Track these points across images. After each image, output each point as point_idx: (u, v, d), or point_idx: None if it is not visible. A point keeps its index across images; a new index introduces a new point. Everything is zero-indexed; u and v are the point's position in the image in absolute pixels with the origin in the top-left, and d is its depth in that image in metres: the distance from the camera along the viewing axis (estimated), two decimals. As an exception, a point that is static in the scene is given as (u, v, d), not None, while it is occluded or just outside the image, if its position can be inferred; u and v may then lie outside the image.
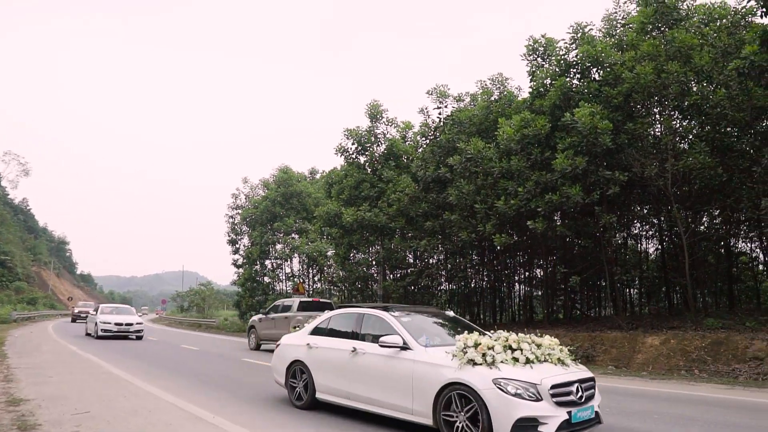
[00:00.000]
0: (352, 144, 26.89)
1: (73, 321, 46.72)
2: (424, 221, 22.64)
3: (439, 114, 23.72)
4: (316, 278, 37.82)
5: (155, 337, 28.93)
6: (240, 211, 41.73)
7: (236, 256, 41.40)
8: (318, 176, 40.91)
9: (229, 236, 41.94)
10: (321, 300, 21.73)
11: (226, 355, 18.32)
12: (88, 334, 25.89)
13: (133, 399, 8.41)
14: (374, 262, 28.30)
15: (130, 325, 24.85)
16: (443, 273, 26.24)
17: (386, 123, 26.99)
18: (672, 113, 17.49)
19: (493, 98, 22.62)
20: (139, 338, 25.15)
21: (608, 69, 17.83)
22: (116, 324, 24.41)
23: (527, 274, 24.82)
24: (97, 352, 16.82)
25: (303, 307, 19.99)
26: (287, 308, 20.14)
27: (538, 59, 20.61)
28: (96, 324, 24.53)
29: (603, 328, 17.21)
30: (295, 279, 37.19)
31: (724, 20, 16.84)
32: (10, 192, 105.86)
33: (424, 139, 25.20)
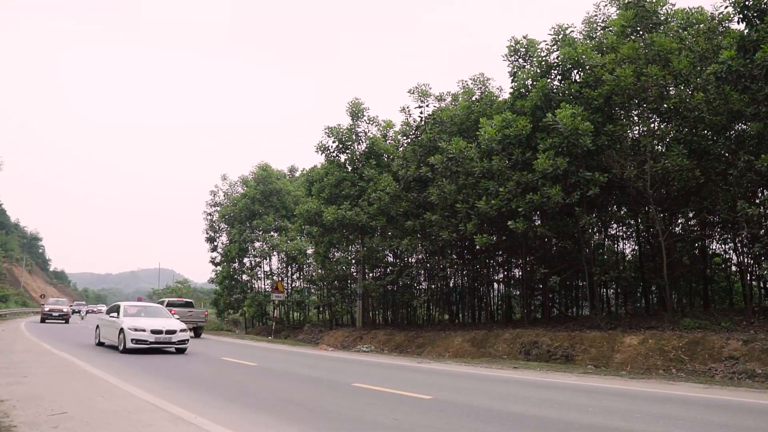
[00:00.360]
0: (333, 142, 26.81)
1: (43, 321, 37.57)
2: (405, 220, 22.63)
3: (421, 113, 23.76)
4: (294, 276, 37.60)
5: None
6: (218, 209, 41.27)
7: (214, 254, 40.98)
8: (298, 174, 40.67)
9: (207, 234, 41.46)
10: (185, 299, 31.35)
11: (203, 354, 18.08)
12: (100, 344, 18.78)
13: (112, 399, 8.22)
14: (354, 261, 28.24)
15: (173, 333, 16.88)
16: (423, 272, 26.27)
17: (367, 121, 26.96)
18: (651, 116, 17.71)
19: (474, 98, 22.72)
20: (181, 351, 17.45)
21: (589, 71, 17.99)
22: (153, 332, 16.45)
23: (506, 273, 24.98)
24: (72, 351, 16.46)
25: (171, 304, 27.24)
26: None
27: (520, 60, 20.75)
28: (122, 332, 16.53)
29: (582, 328, 17.37)
30: (274, 277, 36.92)
31: (702, 25, 17.12)
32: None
33: (405, 138, 25.20)
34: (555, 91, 19.06)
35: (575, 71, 19.01)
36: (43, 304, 43.83)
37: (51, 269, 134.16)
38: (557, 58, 19.14)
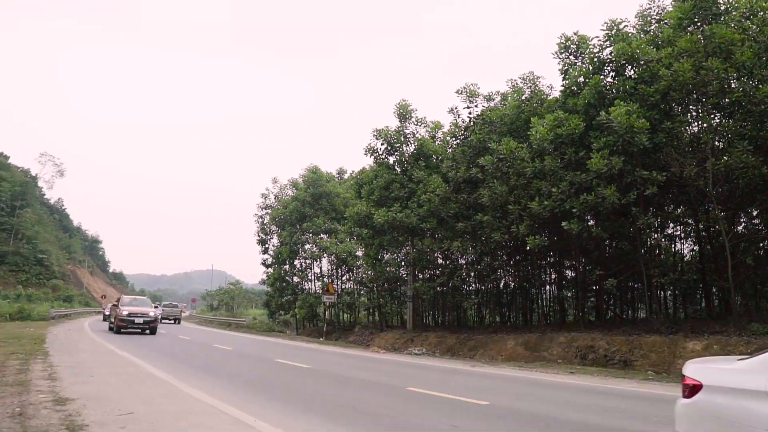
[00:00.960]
0: (382, 144, 26.85)
1: (118, 331, 29.59)
2: (455, 222, 22.48)
3: (469, 114, 23.56)
4: (344, 278, 37.90)
5: (188, 336, 29.28)
6: (269, 211, 42.01)
7: (265, 256, 41.72)
8: (346, 176, 40.98)
9: (259, 236, 42.27)
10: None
11: (258, 355, 18.43)
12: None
13: (173, 400, 8.46)
14: (404, 263, 28.24)
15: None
16: (473, 274, 26.04)
17: (415, 123, 26.91)
18: (711, 111, 17.03)
19: (524, 97, 22.36)
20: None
21: (644, 66, 17.44)
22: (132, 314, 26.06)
23: (558, 275, 24.46)
24: (133, 351, 17.05)
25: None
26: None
27: (571, 57, 20.30)
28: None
29: (640, 332, 16.81)
30: (324, 279, 37.30)
31: (767, 14, 16.32)
32: (46, 192, 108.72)
33: (454, 139, 25.04)
34: (608, 88, 18.57)
35: (629, 67, 18.45)
36: (103, 309, 38.64)
37: (110, 270, 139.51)
38: (610, 53, 18.64)
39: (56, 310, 52.26)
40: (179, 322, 49.86)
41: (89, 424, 6.63)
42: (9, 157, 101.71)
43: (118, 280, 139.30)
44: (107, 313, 40.00)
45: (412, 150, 26.89)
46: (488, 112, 22.40)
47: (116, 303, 28.47)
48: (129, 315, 25.72)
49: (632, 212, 16.90)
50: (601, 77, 18.56)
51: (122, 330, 25.59)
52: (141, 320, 25.86)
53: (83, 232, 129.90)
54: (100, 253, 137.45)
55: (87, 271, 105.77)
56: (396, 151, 26.94)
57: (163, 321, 40.79)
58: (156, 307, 33.33)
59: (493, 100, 23.56)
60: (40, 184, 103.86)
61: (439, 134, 27.15)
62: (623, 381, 12.73)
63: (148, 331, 26.08)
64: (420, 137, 26.90)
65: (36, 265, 79.19)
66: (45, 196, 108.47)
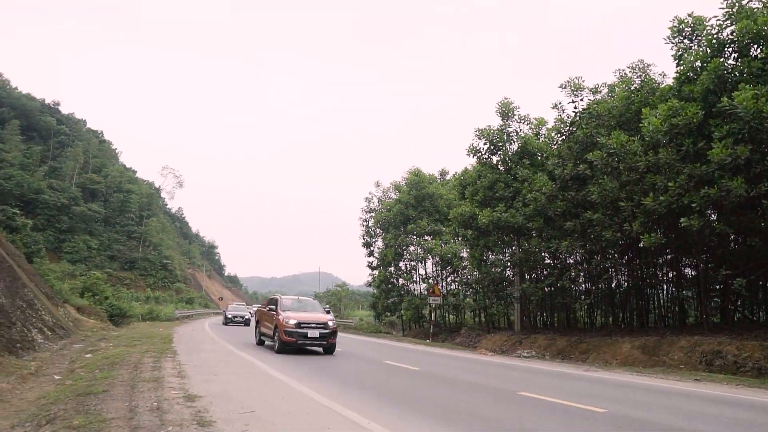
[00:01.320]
0: (484, 144, 26.53)
1: (225, 324, 40.83)
2: (563, 221, 21.74)
3: (575, 108, 22.70)
4: (449, 279, 37.79)
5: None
6: (373, 215, 42.77)
7: (371, 259, 42.49)
8: (449, 177, 40.88)
9: (364, 239, 43.14)
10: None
11: (367, 357, 18.80)
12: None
13: (290, 401, 8.84)
14: (510, 264, 27.72)
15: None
16: (583, 274, 25.03)
17: (518, 120, 26.34)
18: None
19: (633, 87, 21.23)
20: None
21: (773, 45, 15.96)
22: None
23: (675, 274, 22.91)
24: (249, 352, 17.99)
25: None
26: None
27: (685, 41, 19.01)
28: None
29: (776, 336, 15.41)
30: (429, 281, 37.42)
31: None
32: (168, 202, 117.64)
33: (559, 135, 24.26)
34: (730, 71, 17.18)
35: (755, 46, 16.94)
36: (224, 310, 47.58)
37: (226, 274, 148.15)
38: (731, 33, 17.24)
39: (180, 311, 56.45)
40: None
41: (216, 420, 7.10)
42: (136, 172, 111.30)
43: (233, 282, 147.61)
44: (230, 316, 42.40)
45: (515, 148, 26.34)
46: (595, 106, 21.48)
47: (268, 306, 19.41)
48: (300, 325, 17.06)
49: (763, 205, 15.51)
50: (722, 60, 17.20)
51: (288, 348, 17.20)
52: (317, 333, 17.27)
53: (201, 238, 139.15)
54: (216, 257, 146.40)
55: (205, 275, 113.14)
56: (499, 150, 26.50)
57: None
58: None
59: (600, 92, 22.58)
60: (162, 195, 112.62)
61: (543, 131, 26.38)
62: (759, 391, 11.70)
63: (321, 350, 18.13)
64: (523, 135, 26.30)
65: (161, 270, 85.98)
66: (167, 206, 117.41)
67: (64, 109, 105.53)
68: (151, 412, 7.37)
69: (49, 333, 17.84)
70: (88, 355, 15.46)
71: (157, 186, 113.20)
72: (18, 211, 50.73)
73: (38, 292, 21.65)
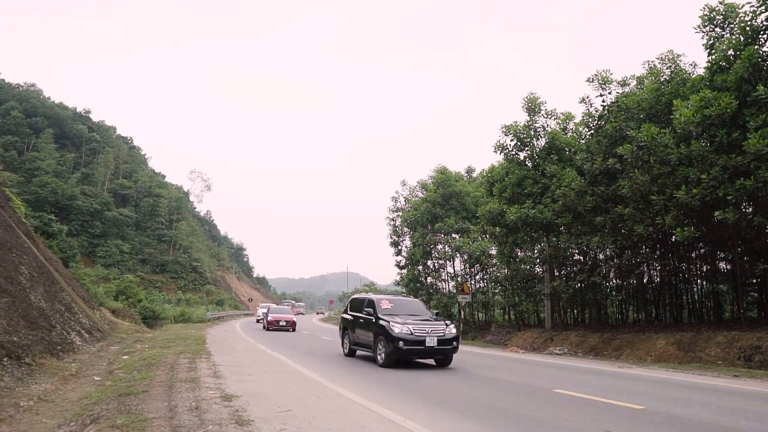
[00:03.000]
0: (511, 140, 26.30)
1: (260, 322, 42.54)
2: (593, 216, 21.46)
3: (603, 101, 22.37)
4: (478, 277, 37.61)
5: (329, 337, 30.62)
6: (401, 214, 42.76)
7: (399, 258, 42.47)
8: (475, 174, 40.65)
9: (391, 238, 43.14)
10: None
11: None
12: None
13: (325, 399, 8.92)
14: (539, 260, 27.48)
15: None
16: (614, 270, 24.67)
17: (545, 115, 26.06)
18: None
19: (663, 78, 20.85)
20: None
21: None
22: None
23: (710, 268, 22.41)
24: (281, 351, 18.17)
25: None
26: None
27: (717, 29, 18.60)
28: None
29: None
30: (458, 278, 37.29)
31: None
32: (197, 206, 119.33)
33: (587, 129, 23.94)
34: (766, 58, 16.75)
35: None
36: (264, 312, 41.07)
37: (254, 275, 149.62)
38: (766, 19, 16.80)
39: (211, 313, 57.28)
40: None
41: (254, 419, 7.20)
42: (165, 176, 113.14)
43: (261, 284, 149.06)
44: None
45: (543, 144, 26.07)
46: (623, 99, 21.14)
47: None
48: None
49: (801, 196, 15.13)
50: (756, 47, 16.78)
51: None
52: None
53: (229, 240, 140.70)
54: (245, 259, 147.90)
55: (234, 277, 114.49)
56: (526, 146, 26.25)
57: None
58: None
59: (628, 85, 22.22)
60: (191, 198, 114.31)
61: (571, 125, 26.03)
62: (801, 385, 11.42)
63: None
64: (551, 130, 26.00)
65: (191, 272, 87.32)
66: (195, 209, 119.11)
67: (95, 117, 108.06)
68: (191, 411, 7.51)
69: (87, 335, 18.26)
70: (125, 357, 15.81)
71: (185, 190, 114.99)
72: (53, 218, 52.01)
73: (75, 295, 22.20)
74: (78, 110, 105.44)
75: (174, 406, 7.89)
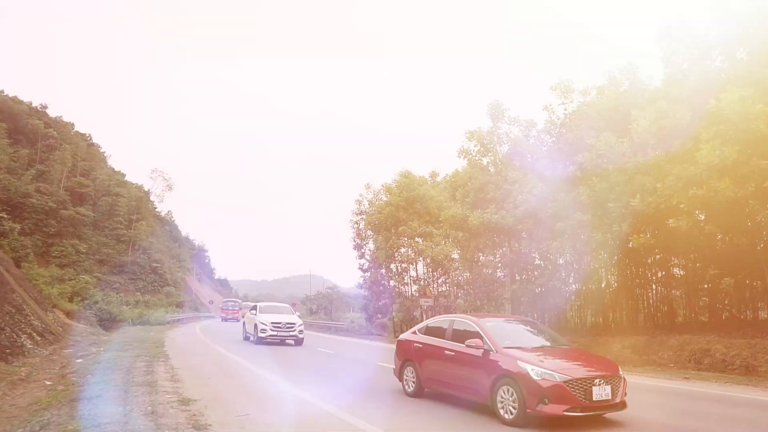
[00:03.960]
0: (474, 146, 26.54)
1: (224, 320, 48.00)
2: (554, 222, 21.87)
3: (564, 110, 22.85)
4: (440, 281, 37.87)
5: (290, 340, 30.36)
6: (364, 217, 42.72)
7: (362, 261, 42.42)
8: (439, 179, 40.94)
9: (354, 241, 43.06)
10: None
11: (360, 359, 18.83)
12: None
13: (285, 403, 8.87)
14: (501, 265, 27.85)
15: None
16: (572, 274, 25.19)
17: (508, 122, 26.38)
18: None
19: (622, 89, 21.40)
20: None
21: (760, 47, 16.15)
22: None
23: (664, 273, 23.11)
24: (242, 354, 17.97)
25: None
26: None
27: (673, 43, 19.18)
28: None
29: (763, 334, 15.61)
30: (421, 282, 37.48)
31: None
32: (158, 205, 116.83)
33: (549, 137, 24.38)
34: (718, 73, 17.38)
35: (741, 49, 17.17)
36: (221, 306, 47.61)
37: (216, 277, 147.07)
38: (719, 36, 17.43)
39: (170, 315, 56.14)
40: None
41: (212, 424, 7.12)
42: (125, 175, 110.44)
43: (223, 286, 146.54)
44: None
45: (506, 150, 26.41)
46: (585, 108, 21.63)
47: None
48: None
49: (750, 205, 15.71)
50: (708, 63, 17.40)
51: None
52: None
53: (191, 241, 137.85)
54: (206, 261, 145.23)
55: (195, 278, 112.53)
56: (489, 151, 26.57)
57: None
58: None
59: (590, 94, 22.74)
60: (152, 198, 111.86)
61: (533, 132, 26.46)
62: (747, 389, 11.88)
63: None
64: (514, 136, 26.36)
65: (151, 274, 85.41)
66: (156, 209, 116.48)
67: (52, 112, 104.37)
68: (146, 416, 7.37)
69: (39, 338, 17.71)
70: (80, 360, 15.39)
71: (146, 189, 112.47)
72: (5, 215, 50.20)
73: (27, 297, 21.50)
74: (34, 105, 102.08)
75: (129, 411, 7.72)
